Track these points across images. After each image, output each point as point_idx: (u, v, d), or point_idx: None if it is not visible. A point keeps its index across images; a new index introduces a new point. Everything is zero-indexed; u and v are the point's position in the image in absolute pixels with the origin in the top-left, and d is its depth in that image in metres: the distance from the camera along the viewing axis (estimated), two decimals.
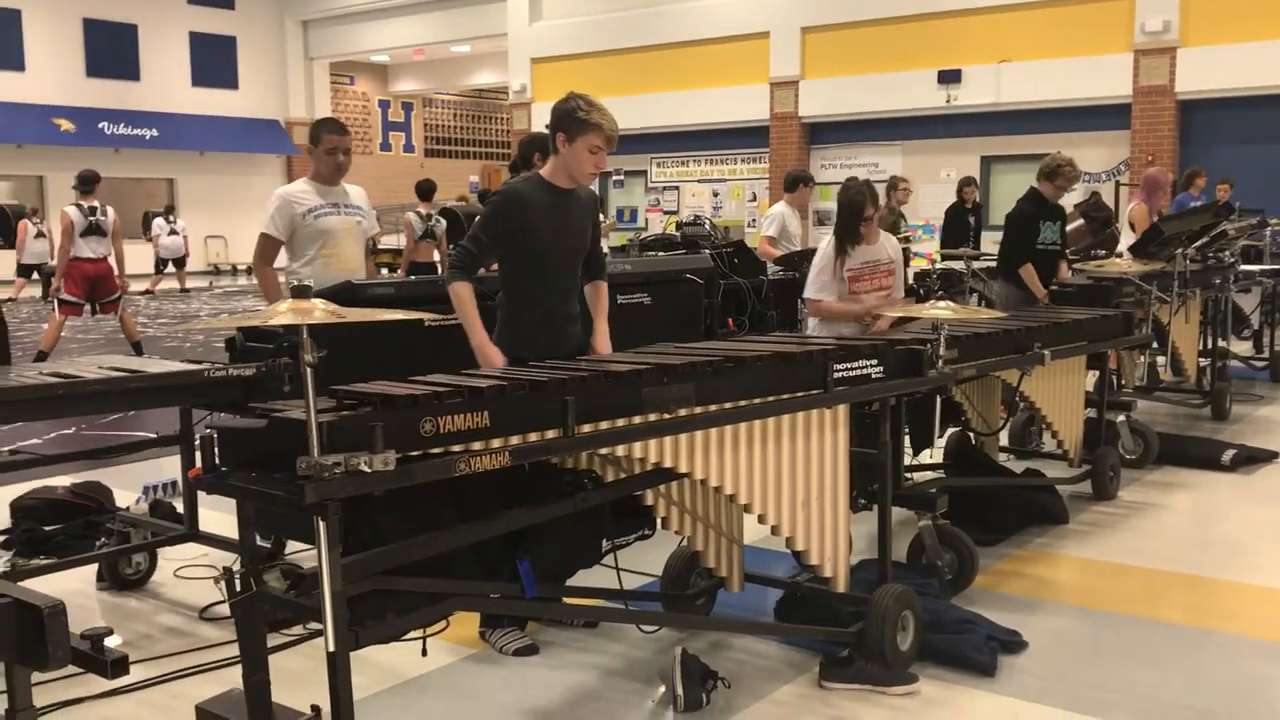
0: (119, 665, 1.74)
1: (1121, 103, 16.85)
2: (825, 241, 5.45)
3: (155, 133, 25.63)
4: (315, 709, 2.61)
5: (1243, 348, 10.45)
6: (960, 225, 12.38)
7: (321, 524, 2.35)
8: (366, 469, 2.35)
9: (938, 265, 10.78)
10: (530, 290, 3.91)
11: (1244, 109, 16.18)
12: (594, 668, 3.80)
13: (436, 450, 2.56)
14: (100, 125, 24.72)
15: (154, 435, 5.00)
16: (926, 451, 5.25)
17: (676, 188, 22.93)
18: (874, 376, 3.70)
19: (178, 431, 4.57)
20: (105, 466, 6.14)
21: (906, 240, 11.15)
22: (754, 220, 20.42)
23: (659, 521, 3.58)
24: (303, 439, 2.33)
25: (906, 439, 4.91)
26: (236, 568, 2.72)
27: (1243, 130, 16.26)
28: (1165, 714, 3.47)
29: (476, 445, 2.62)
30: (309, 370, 2.33)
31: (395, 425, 2.46)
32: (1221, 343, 8.33)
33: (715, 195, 22.45)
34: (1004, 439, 6.32)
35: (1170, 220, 7.68)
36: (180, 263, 21.76)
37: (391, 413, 2.50)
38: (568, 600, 3.74)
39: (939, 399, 4.67)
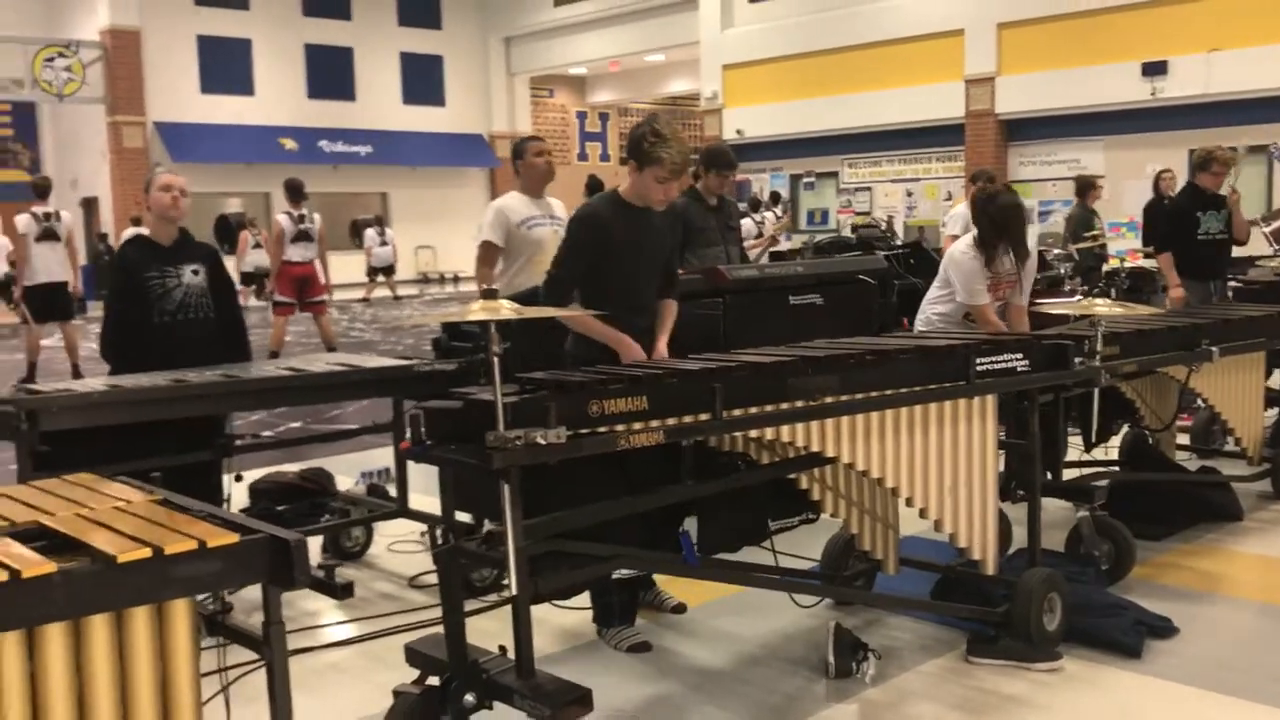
0: (347, 589, 2.20)
1: None
2: (963, 247, 5.29)
3: (369, 149, 27.29)
4: (502, 648, 3.05)
5: None
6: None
7: (506, 486, 2.80)
8: (543, 441, 2.78)
9: (1126, 264, 10.56)
10: (606, 303, 3.95)
11: None
12: (754, 642, 4.13)
13: (602, 429, 2.96)
14: (320, 144, 26.47)
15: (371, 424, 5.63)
16: (1100, 448, 5.29)
17: (869, 188, 22.88)
18: (1019, 370, 3.89)
19: (390, 421, 5.18)
20: (328, 456, 6.85)
21: (1096, 239, 11.00)
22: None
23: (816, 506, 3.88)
24: (492, 417, 2.77)
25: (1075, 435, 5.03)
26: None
27: None
28: None
29: (636, 425, 3.02)
30: (496, 359, 2.77)
31: (567, 406, 2.89)
32: None
33: (909, 195, 22.29)
34: (1185, 438, 6.29)
35: None
36: (390, 271, 23.15)
37: (564, 396, 2.93)
38: (727, 570, 4.06)
39: (1097, 394, 4.76)
